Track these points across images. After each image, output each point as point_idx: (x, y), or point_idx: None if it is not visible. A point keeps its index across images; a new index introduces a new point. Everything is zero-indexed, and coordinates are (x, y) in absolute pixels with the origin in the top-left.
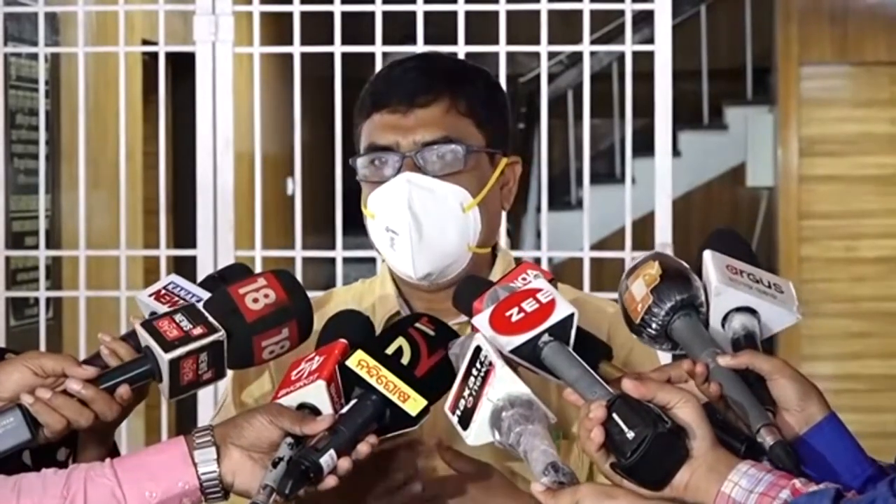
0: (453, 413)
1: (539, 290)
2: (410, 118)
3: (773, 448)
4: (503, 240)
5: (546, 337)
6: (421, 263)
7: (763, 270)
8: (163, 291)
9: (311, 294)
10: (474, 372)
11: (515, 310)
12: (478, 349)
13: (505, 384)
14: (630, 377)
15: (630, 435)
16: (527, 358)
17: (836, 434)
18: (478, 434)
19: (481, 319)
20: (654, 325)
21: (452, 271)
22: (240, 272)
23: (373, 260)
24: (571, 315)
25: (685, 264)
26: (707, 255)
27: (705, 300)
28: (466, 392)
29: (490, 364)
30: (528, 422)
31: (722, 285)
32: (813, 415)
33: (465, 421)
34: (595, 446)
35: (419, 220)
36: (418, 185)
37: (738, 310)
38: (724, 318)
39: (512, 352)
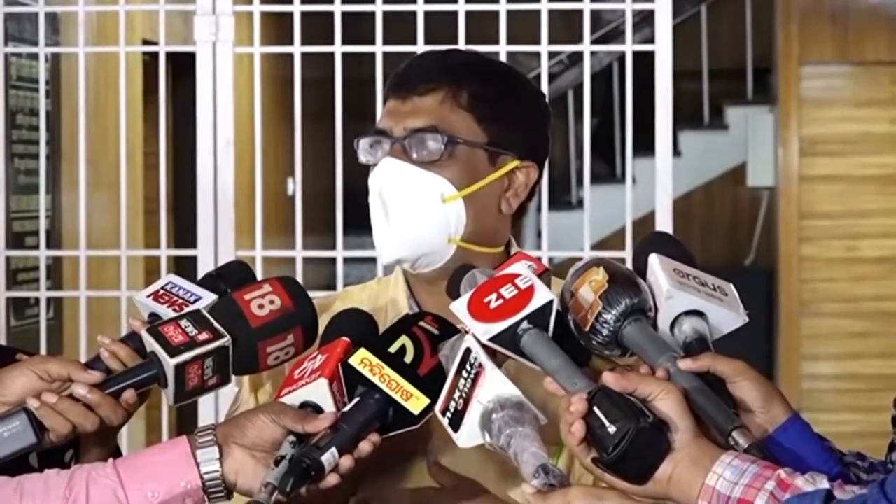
0: (444, 415)
1: (517, 276)
2: (407, 105)
3: (748, 451)
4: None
5: (525, 324)
6: (389, 248)
7: (704, 273)
8: (161, 292)
9: (314, 294)
10: (464, 374)
11: (494, 296)
12: (468, 351)
13: (495, 386)
14: (610, 370)
15: (612, 430)
16: (507, 346)
17: (800, 434)
18: (468, 436)
19: (459, 305)
20: (604, 332)
21: (432, 262)
22: (238, 270)
23: (373, 260)
24: (550, 302)
25: (630, 269)
26: (654, 258)
27: (653, 304)
28: (457, 394)
29: (480, 366)
30: (519, 424)
31: (674, 289)
32: (777, 416)
33: (456, 423)
34: (576, 441)
35: (387, 206)
36: (394, 171)
37: (688, 313)
38: (673, 323)
39: (491, 340)
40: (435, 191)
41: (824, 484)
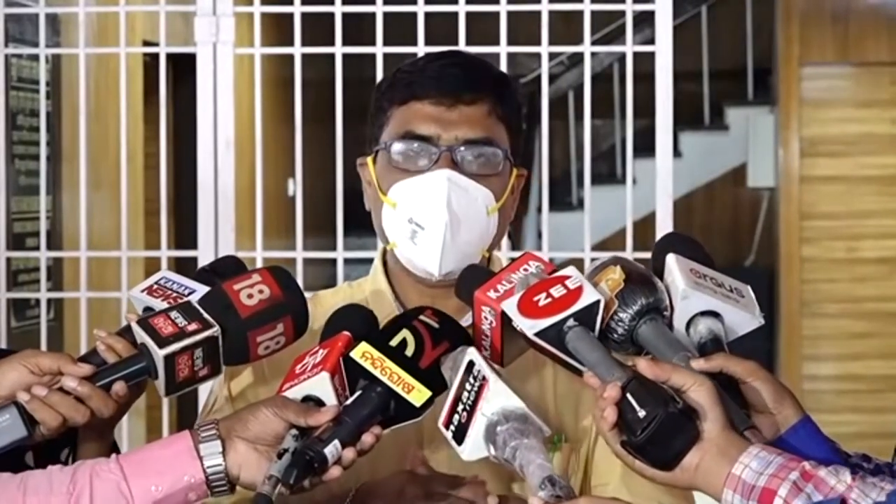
0: (447, 428)
1: (568, 277)
2: (454, 113)
3: None
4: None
5: (571, 321)
6: (447, 262)
7: (722, 274)
8: (155, 286)
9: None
10: (468, 387)
11: (543, 295)
12: (471, 363)
13: (499, 398)
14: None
15: (641, 414)
16: (552, 342)
17: (811, 436)
18: (473, 449)
19: (510, 304)
20: (620, 330)
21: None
22: (231, 265)
23: (373, 261)
24: (598, 301)
25: (646, 268)
26: (671, 258)
27: (669, 304)
28: (460, 407)
29: (483, 378)
30: (524, 436)
31: (689, 289)
32: (788, 417)
33: (460, 436)
34: (608, 425)
35: (457, 220)
36: (457, 184)
37: (703, 314)
38: (688, 323)
39: (537, 334)
40: (484, 204)
41: (846, 476)
